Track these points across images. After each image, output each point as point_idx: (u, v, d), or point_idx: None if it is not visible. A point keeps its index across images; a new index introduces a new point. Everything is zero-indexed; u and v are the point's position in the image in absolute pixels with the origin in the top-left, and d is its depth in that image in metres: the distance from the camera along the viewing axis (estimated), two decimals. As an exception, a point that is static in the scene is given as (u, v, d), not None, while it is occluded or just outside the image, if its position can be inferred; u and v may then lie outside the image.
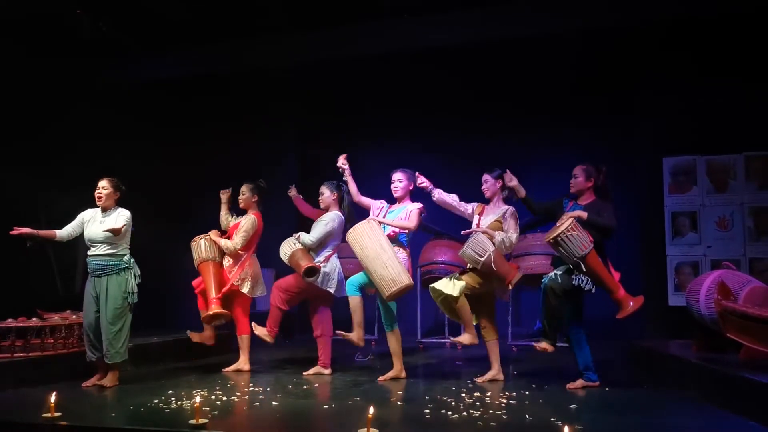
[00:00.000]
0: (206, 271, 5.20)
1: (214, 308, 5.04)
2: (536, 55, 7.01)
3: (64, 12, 6.29)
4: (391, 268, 4.56)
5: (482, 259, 4.46)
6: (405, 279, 4.58)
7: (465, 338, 4.60)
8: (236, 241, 5.22)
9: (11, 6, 5.95)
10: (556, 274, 4.44)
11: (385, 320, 4.84)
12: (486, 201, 4.87)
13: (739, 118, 6.28)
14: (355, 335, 4.78)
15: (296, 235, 5.09)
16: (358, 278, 4.83)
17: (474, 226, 4.75)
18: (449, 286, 4.53)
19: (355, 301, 4.79)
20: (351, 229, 4.74)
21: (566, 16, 6.18)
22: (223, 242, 5.25)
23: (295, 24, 6.73)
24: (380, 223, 4.82)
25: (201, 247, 5.24)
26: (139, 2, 6.34)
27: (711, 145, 6.38)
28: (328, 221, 5.08)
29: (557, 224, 4.38)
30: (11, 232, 4.47)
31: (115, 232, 4.49)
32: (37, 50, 6.63)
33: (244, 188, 5.43)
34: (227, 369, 5.28)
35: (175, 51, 7.27)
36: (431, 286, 4.66)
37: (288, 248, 5.04)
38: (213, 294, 5.08)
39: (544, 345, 4.47)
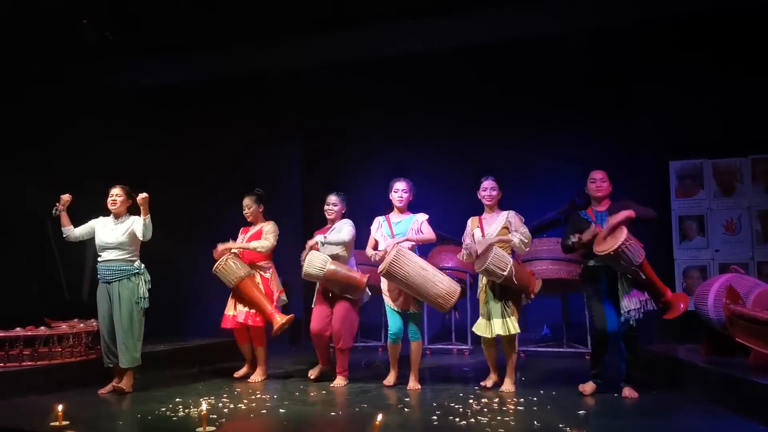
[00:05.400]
0: (249, 287, 4.99)
1: (280, 318, 4.92)
2: (539, 57, 7.00)
3: (70, 20, 6.31)
4: (440, 282, 4.44)
5: (504, 274, 4.30)
6: (457, 287, 4.49)
7: (490, 381, 4.67)
8: (270, 239, 5.08)
9: (17, 12, 5.98)
10: (629, 312, 4.22)
11: (416, 330, 4.68)
12: (479, 211, 4.72)
13: (745, 121, 6.25)
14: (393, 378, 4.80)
15: (318, 241, 4.79)
16: (394, 329, 4.69)
17: (478, 239, 4.53)
18: (487, 330, 4.49)
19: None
20: (383, 265, 4.42)
21: (570, 16, 6.15)
22: (255, 243, 5.06)
23: (298, 28, 6.73)
24: (410, 242, 4.64)
25: (232, 266, 4.96)
26: (141, 8, 6.36)
27: (717, 148, 6.35)
28: (350, 223, 4.94)
29: (605, 236, 4.13)
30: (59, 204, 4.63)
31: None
32: (43, 57, 6.66)
33: (248, 201, 5.23)
34: (238, 374, 5.23)
35: (175, 56, 7.22)
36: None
37: (321, 263, 4.70)
38: (269, 307, 4.98)
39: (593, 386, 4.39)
